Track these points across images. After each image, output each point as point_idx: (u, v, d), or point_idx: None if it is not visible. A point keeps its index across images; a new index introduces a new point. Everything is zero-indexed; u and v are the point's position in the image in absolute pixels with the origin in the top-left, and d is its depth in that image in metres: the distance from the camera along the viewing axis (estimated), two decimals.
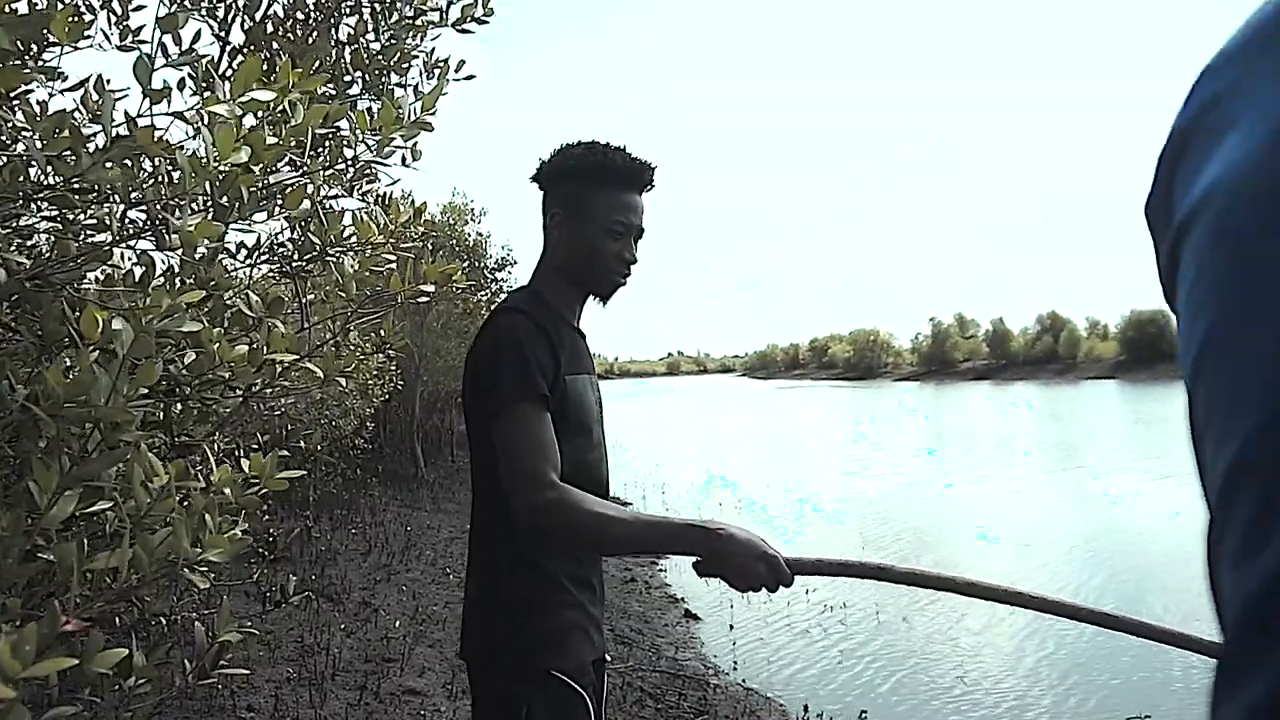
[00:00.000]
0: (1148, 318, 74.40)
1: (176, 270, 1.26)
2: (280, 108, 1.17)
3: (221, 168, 1.01)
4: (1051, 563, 8.11)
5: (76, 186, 1.09)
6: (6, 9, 1.03)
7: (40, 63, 1.76)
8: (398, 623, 5.21)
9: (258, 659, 4.25)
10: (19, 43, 1.25)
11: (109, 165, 0.97)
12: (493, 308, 1.79)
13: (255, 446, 3.30)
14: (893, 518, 10.43)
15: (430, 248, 10.24)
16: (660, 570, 8.10)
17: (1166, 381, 57.13)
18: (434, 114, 1.69)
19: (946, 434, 22.87)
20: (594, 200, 1.72)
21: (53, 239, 1.40)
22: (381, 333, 2.33)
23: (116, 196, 1.09)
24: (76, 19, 1.17)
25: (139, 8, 2.10)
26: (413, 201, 2.10)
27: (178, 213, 1.22)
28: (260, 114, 1.13)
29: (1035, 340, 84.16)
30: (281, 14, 2.35)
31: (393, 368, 6.67)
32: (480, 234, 10.98)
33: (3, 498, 1.19)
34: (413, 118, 1.85)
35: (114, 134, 0.96)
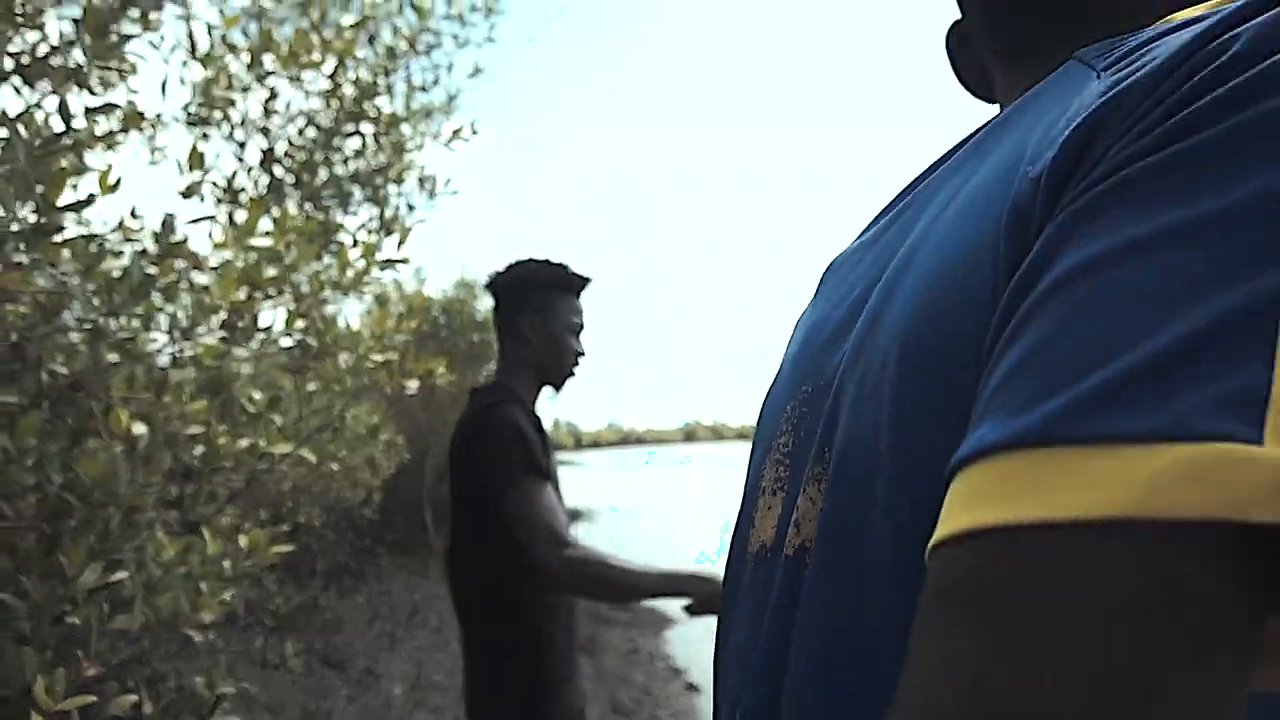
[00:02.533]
0: None
1: (190, 378, 1.51)
2: (280, 246, 1.44)
3: (226, 301, 1.27)
4: None
5: (107, 311, 1.35)
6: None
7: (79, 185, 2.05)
8: (397, 689, 5.36)
9: None
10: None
11: (138, 308, 1.23)
12: (477, 399, 1.98)
13: (262, 521, 3.52)
14: None
15: (450, 327, 10.57)
16: (665, 642, 8.18)
17: None
18: (405, 261, 1.96)
19: None
20: (562, 305, 2.02)
21: (87, 348, 1.66)
22: (376, 420, 2.58)
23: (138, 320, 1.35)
24: (111, 168, 1.45)
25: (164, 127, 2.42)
26: (402, 305, 2.38)
27: (195, 329, 1.48)
28: (260, 256, 1.40)
29: None
30: (296, 133, 2.66)
31: (399, 440, 6.91)
32: (490, 311, 11.30)
33: (39, 570, 1.43)
34: (403, 224, 2.13)
35: (140, 278, 1.22)
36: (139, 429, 1.28)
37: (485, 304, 11.36)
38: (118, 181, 1.43)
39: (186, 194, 1.31)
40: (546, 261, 2.06)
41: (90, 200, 1.17)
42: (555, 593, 1.80)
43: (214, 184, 2.42)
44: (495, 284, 2.09)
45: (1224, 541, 0.25)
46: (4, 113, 1.08)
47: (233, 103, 2.39)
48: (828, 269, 0.55)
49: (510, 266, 2.08)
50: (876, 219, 0.53)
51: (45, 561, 1.47)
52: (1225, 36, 0.31)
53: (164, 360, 1.44)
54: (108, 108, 1.21)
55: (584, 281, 2.07)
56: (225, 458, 1.58)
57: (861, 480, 0.38)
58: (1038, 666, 0.25)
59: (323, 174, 2.65)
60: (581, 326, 2.06)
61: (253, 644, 5.37)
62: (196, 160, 1.33)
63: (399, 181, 2.78)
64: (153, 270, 1.28)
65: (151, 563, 1.36)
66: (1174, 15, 0.38)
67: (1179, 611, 0.25)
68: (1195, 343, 0.26)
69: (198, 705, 1.50)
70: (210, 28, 2.09)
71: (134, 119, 1.26)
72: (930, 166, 0.52)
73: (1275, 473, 0.24)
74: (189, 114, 1.97)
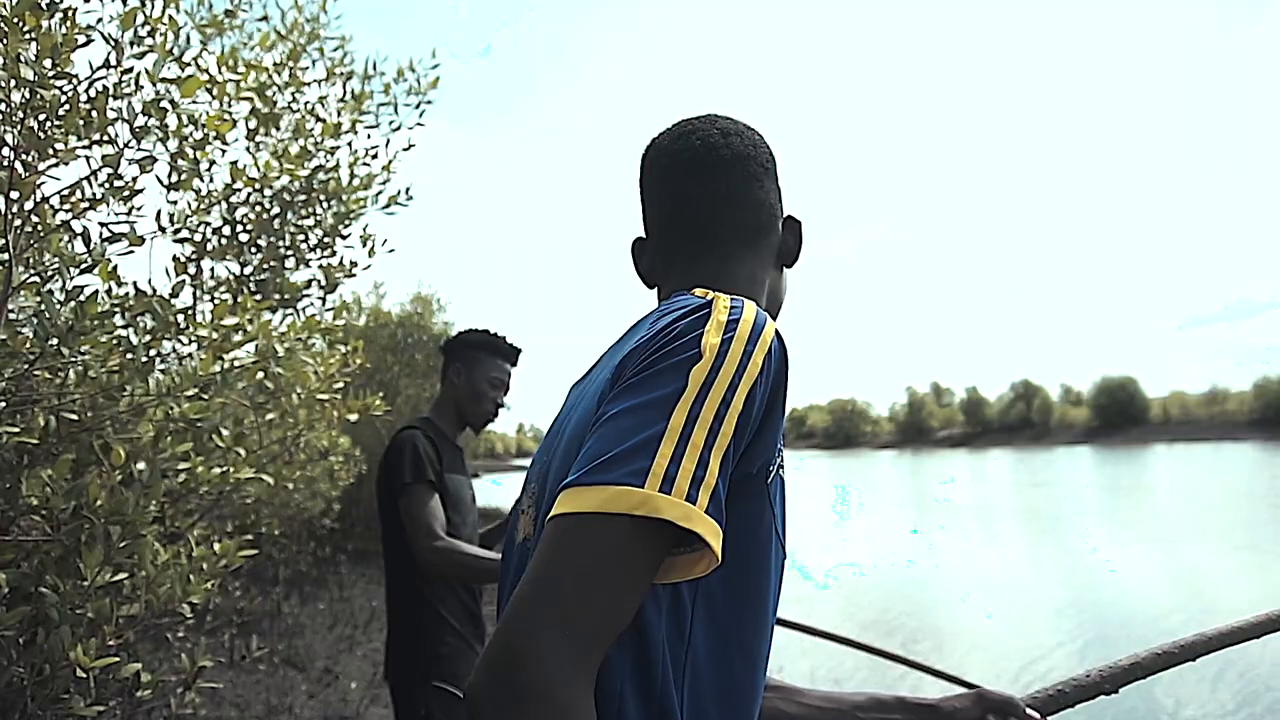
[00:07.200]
0: (1118, 384, 76.04)
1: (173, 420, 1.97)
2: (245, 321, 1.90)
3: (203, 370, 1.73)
4: None
5: (121, 383, 1.81)
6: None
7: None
8: (354, 685, 5.79)
9: (229, 717, 4.83)
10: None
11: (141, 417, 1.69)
12: (398, 431, 2.55)
13: (228, 531, 3.96)
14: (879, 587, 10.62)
15: (408, 340, 10.97)
16: None
17: (1138, 447, 58.15)
18: (343, 322, 2.43)
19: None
20: (487, 364, 2.62)
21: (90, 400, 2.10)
22: (325, 443, 3.04)
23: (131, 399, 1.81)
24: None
25: (139, 191, 2.85)
26: (346, 348, 2.84)
27: (182, 391, 1.94)
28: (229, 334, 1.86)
29: (1009, 407, 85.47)
30: (251, 201, 3.11)
31: (359, 453, 7.31)
32: (446, 323, 11.73)
33: (60, 571, 1.86)
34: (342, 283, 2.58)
35: (144, 360, 1.68)
36: (141, 465, 1.74)
37: (441, 318, 11.81)
38: (115, 267, 1.89)
39: (173, 294, 1.77)
40: (487, 331, 2.66)
41: (112, 311, 1.63)
42: (434, 576, 2.33)
43: (187, 240, 2.85)
44: (444, 342, 2.70)
45: (632, 521, 0.73)
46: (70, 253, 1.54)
47: (200, 176, 2.84)
48: (572, 386, 1.05)
49: (461, 331, 2.69)
50: (596, 363, 1.03)
51: (64, 565, 1.92)
52: (675, 320, 0.82)
53: (156, 413, 1.90)
54: (120, 237, 1.67)
55: (514, 350, 2.66)
56: (202, 483, 2.04)
57: (548, 508, 0.86)
58: (562, 564, 0.73)
59: (280, 236, 3.10)
60: (505, 387, 2.64)
61: (220, 645, 5.77)
62: (181, 269, 1.80)
63: (344, 237, 3.25)
64: (151, 347, 1.74)
65: (150, 565, 1.82)
66: (695, 290, 0.89)
67: (611, 547, 0.73)
68: (626, 450, 0.76)
69: (183, 673, 1.95)
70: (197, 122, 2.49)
71: (136, 241, 1.72)
72: (621, 335, 1.03)
73: (639, 495, 0.73)
74: (165, 183, 2.40)
